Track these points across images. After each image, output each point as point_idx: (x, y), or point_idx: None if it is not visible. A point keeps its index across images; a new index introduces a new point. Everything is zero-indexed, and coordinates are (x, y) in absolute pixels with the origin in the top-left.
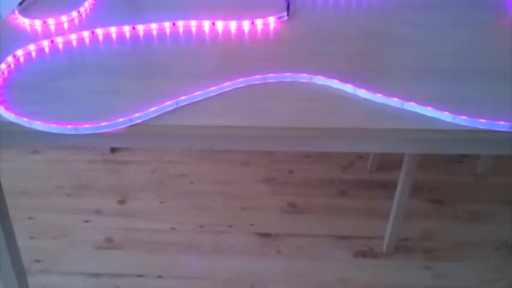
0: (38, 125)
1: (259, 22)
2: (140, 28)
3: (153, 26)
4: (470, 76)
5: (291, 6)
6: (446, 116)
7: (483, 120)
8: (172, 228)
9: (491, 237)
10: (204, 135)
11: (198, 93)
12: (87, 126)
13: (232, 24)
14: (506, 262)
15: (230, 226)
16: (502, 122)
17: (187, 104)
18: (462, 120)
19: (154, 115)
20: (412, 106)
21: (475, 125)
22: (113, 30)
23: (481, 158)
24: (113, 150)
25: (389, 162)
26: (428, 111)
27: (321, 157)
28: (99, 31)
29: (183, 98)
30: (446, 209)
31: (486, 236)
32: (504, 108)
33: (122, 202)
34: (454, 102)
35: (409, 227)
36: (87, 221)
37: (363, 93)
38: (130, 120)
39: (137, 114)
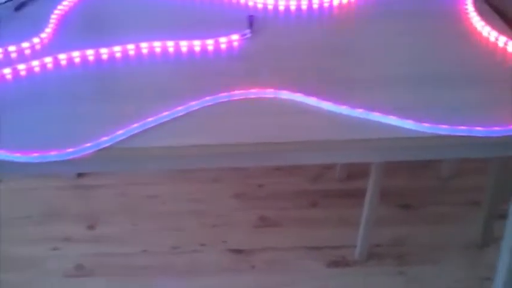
0: (3, 154)
1: (223, 40)
2: (104, 51)
3: (117, 48)
4: (431, 83)
5: (254, 23)
6: (409, 124)
7: (445, 126)
8: (145, 251)
9: (460, 238)
10: (173, 156)
11: (165, 113)
12: (53, 153)
13: (196, 44)
14: (476, 261)
15: (203, 245)
16: (463, 127)
17: (155, 126)
18: (425, 127)
19: (121, 138)
20: (376, 116)
21: (437, 131)
22: (76, 54)
23: (445, 161)
24: (80, 174)
25: (357, 171)
26: (392, 120)
27: (290, 170)
28: (62, 56)
29: (150, 119)
30: (415, 213)
31: (455, 237)
32: (465, 113)
33: (91, 227)
34: (416, 109)
35: (380, 234)
36: (56, 249)
37: (327, 105)
38: (97, 144)
39: (104, 139)
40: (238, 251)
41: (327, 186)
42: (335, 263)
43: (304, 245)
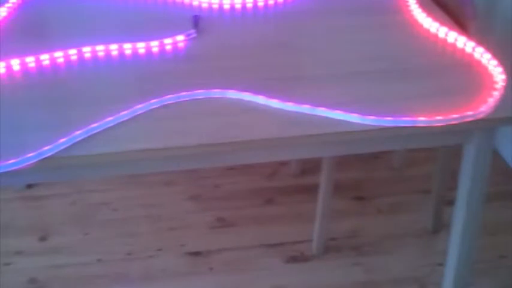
0: None
1: (168, 41)
2: (45, 58)
3: (58, 54)
4: (375, 77)
5: (199, 23)
6: (355, 118)
7: (389, 118)
8: (99, 260)
9: (413, 226)
10: (119, 162)
11: (109, 119)
12: None
13: (141, 46)
14: (429, 247)
15: (159, 249)
16: (406, 118)
17: (99, 131)
18: (370, 120)
19: (65, 146)
20: (322, 111)
21: (382, 124)
22: (15, 62)
23: (396, 151)
24: (29, 185)
25: (312, 166)
26: (338, 115)
27: (245, 168)
28: (1, 64)
29: (94, 125)
30: (369, 204)
31: (408, 225)
32: (408, 104)
33: (43, 239)
34: (361, 103)
35: (336, 226)
36: (8, 264)
37: (275, 103)
38: (40, 154)
39: (46, 147)
40: (196, 254)
41: (282, 183)
42: (293, 259)
43: (262, 243)
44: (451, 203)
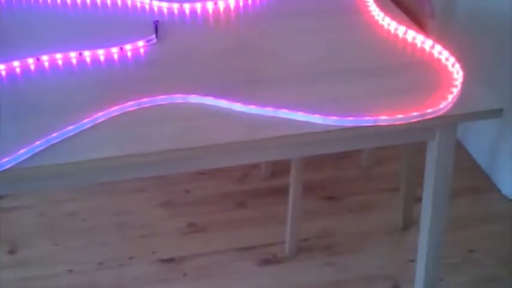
0: None
1: (128, 47)
2: (1, 68)
3: (16, 63)
4: (337, 78)
5: (160, 29)
6: (317, 119)
7: (351, 118)
8: (70, 271)
9: (383, 224)
10: (82, 171)
11: (70, 127)
12: None
13: (101, 53)
14: (400, 244)
15: (131, 258)
16: (368, 118)
17: (60, 141)
18: (332, 121)
19: (25, 157)
20: (284, 113)
21: (344, 124)
22: None
23: (364, 151)
24: None
25: (282, 168)
26: (301, 116)
27: (215, 172)
28: None
29: (54, 135)
30: (339, 203)
31: (379, 223)
32: (369, 103)
33: (12, 252)
34: (324, 104)
35: (307, 227)
36: None
37: (237, 106)
38: None
39: (5, 159)
40: (169, 260)
41: (253, 186)
42: (266, 261)
43: (235, 247)
44: (419, 199)
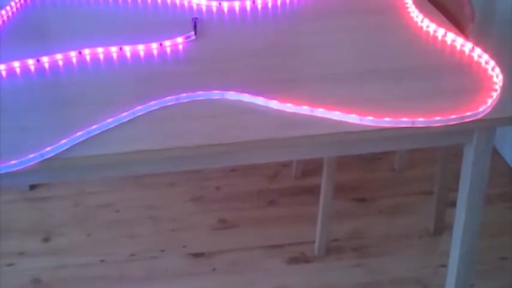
0: None
1: (167, 43)
2: (45, 60)
3: (59, 56)
4: (372, 78)
5: (198, 26)
6: (353, 118)
7: (388, 119)
8: (102, 261)
9: (414, 227)
10: (120, 163)
11: (109, 120)
12: None
13: (141, 48)
14: (430, 249)
15: (162, 250)
16: (405, 119)
17: (100, 133)
18: (368, 121)
19: (66, 147)
20: (321, 112)
21: (380, 124)
22: (16, 64)
23: (397, 153)
24: (32, 187)
25: (313, 168)
26: (337, 115)
27: (246, 170)
28: (2, 67)
29: (94, 127)
30: (370, 205)
31: (410, 226)
32: (407, 105)
33: (46, 240)
34: (359, 104)
35: (337, 228)
36: (11, 265)
37: (274, 104)
38: (41, 155)
39: (48, 149)
40: (199, 255)
41: (284, 185)
42: (295, 260)
43: (264, 244)
44: (452, 204)
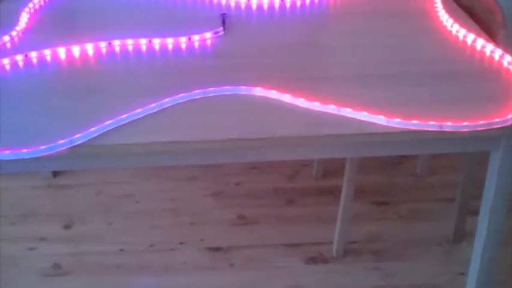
0: None
1: (196, 38)
2: (75, 49)
3: (89, 46)
4: (400, 81)
5: (227, 21)
6: (380, 119)
7: (415, 122)
8: (122, 250)
9: (434, 234)
10: (146, 153)
11: (138, 110)
12: (25, 151)
13: (169, 41)
14: (449, 256)
15: (181, 243)
16: (432, 122)
17: (128, 122)
18: (395, 123)
19: (95, 135)
20: (348, 112)
21: (407, 126)
22: (47, 52)
23: (420, 158)
24: (55, 174)
25: (333, 169)
26: (364, 116)
27: (267, 168)
28: (33, 54)
29: (123, 116)
30: (390, 209)
31: (429, 233)
32: (435, 108)
33: (67, 227)
34: (387, 105)
35: (356, 230)
36: (32, 249)
37: (300, 102)
38: (71, 141)
39: (77, 135)
40: (216, 249)
41: (303, 184)
42: (313, 260)
43: (282, 242)
44: (473, 212)
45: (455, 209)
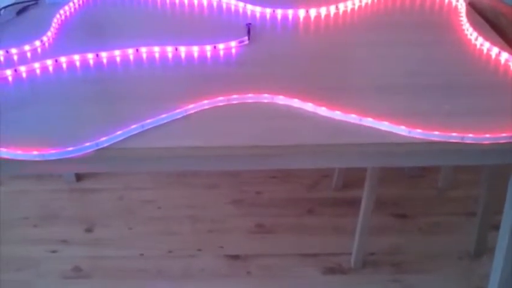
0: (3, 152)
1: (221, 47)
2: (104, 55)
3: (117, 52)
4: (422, 92)
5: (252, 31)
6: (402, 130)
7: (437, 133)
8: (141, 255)
9: (454, 248)
10: (170, 157)
11: (163, 116)
12: (52, 151)
13: (195, 49)
14: (469, 271)
15: (199, 250)
16: (454, 134)
17: (153, 127)
18: (417, 133)
19: (121, 138)
20: (369, 121)
21: (429, 137)
22: (76, 58)
23: (442, 171)
24: (79, 178)
25: (353, 180)
26: (385, 126)
27: (287, 177)
28: (63, 59)
29: (148, 121)
30: (410, 222)
31: (449, 246)
32: (456, 120)
33: (89, 230)
34: (408, 116)
35: (376, 242)
36: (54, 251)
37: (322, 111)
38: (97, 144)
39: (103, 138)
40: (235, 257)
41: (323, 195)
42: (331, 270)
43: (300, 252)
44: (495, 227)
45: (476, 223)
